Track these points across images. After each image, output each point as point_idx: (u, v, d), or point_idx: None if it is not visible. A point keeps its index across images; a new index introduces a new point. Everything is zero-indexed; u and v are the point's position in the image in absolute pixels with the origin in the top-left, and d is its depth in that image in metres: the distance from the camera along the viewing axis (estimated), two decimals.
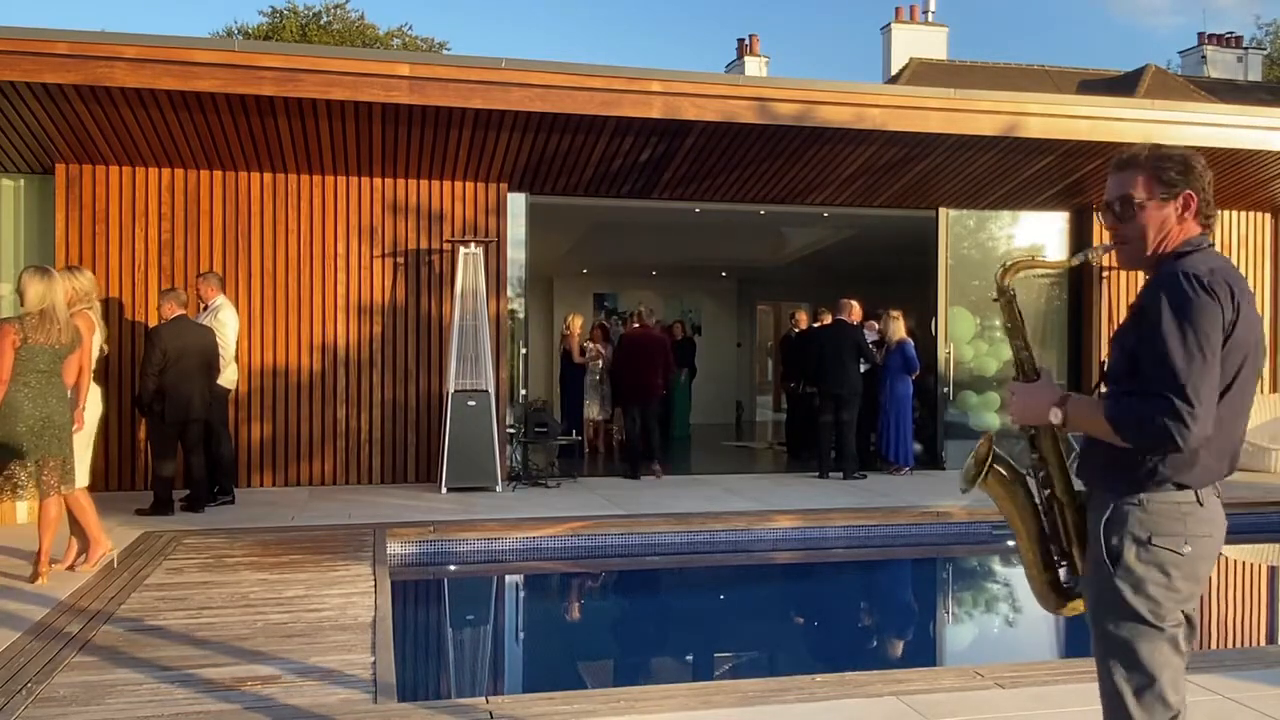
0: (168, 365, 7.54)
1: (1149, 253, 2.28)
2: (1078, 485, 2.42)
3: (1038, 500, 2.46)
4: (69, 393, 5.73)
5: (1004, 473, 2.46)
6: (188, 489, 7.90)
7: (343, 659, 4.33)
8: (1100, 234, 10.83)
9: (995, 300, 2.48)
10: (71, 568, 5.89)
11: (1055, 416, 2.25)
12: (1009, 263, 2.51)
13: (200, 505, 7.82)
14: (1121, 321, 2.29)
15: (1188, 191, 2.26)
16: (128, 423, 8.93)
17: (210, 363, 7.86)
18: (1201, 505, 2.20)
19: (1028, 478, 2.48)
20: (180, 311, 7.79)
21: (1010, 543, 8.04)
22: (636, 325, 11.21)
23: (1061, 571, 2.46)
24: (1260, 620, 6.88)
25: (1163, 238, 2.27)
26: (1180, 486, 2.18)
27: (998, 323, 11.36)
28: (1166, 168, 2.27)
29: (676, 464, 11.68)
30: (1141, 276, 2.36)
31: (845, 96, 9.03)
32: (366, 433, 9.52)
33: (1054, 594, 2.48)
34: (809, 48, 74.51)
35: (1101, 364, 2.42)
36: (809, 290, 16.39)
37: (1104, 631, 2.24)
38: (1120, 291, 11.14)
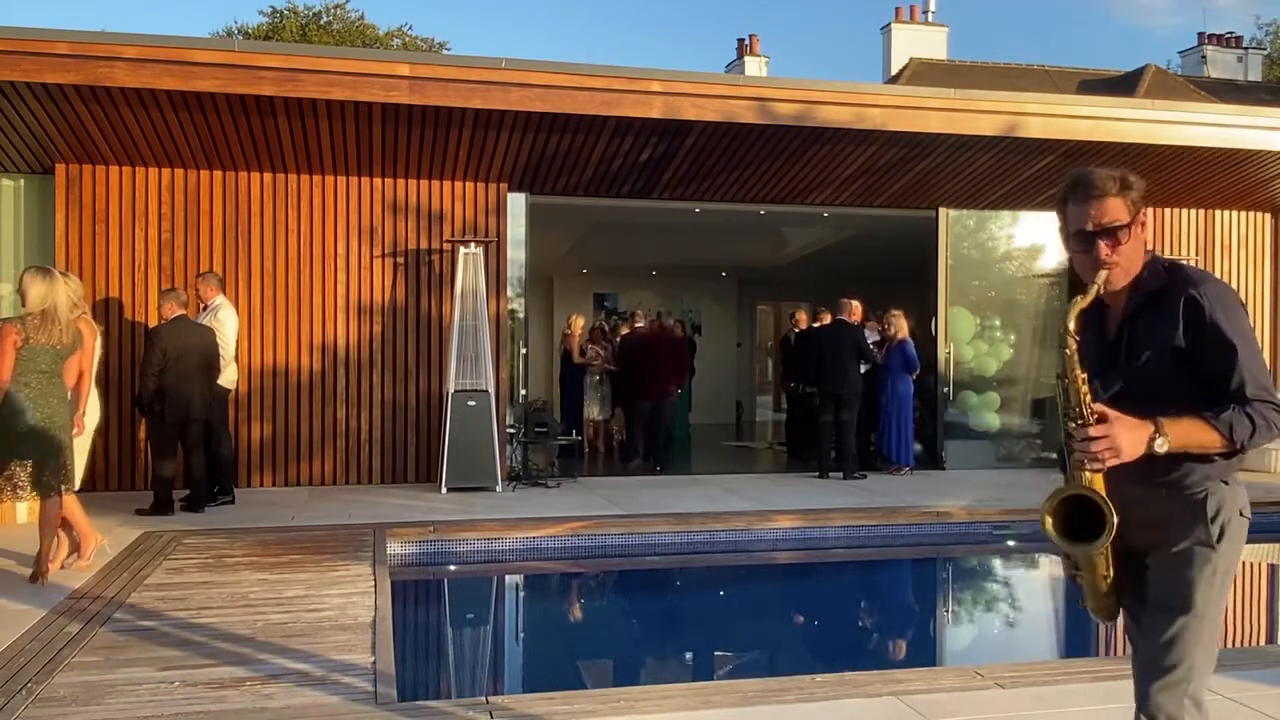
0: (168, 365, 7.54)
1: (1128, 269, 2.44)
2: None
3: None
4: (69, 394, 5.73)
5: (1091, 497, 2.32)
6: (188, 489, 7.90)
7: (343, 659, 4.33)
8: None
9: (1061, 348, 2.43)
10: (62, 566, 5.87)
11: (1161, 446, 2.24)
12: (1073, 310, 2.43)
13: (200, 505, 7.82)
14: (1141, 316, 2.38)
15: (1142, 210, 2.45)
16: (128, 423, 8.93)
17: (210, 363, 7.86)
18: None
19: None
20: (180, 311, 7.79)
21: (1010, 542, 8.06)
22: (654, 324, 11.68)
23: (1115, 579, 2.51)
24: (1260, 620, 6.88)
25: (1139, 251, 2.45)
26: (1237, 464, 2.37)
27: (997, 323, 11.37)
28: (1133, 193, 2.43)
29: (676, 464, 11.68)
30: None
31: (845, 96, 9.04)
32: (366, 433, 9.52)
33: (1109, 600, 2.52)
34: (809, 48, 74.57)
35: (1117, 352, 2.44)
36: (809, 290, 16.39)
37: (1196, 610, 2.32)
38: None
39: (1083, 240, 2.44)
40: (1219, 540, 2.33)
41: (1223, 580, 2.35)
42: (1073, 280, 11.32)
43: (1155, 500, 2.37)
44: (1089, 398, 2.32)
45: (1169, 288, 2.35)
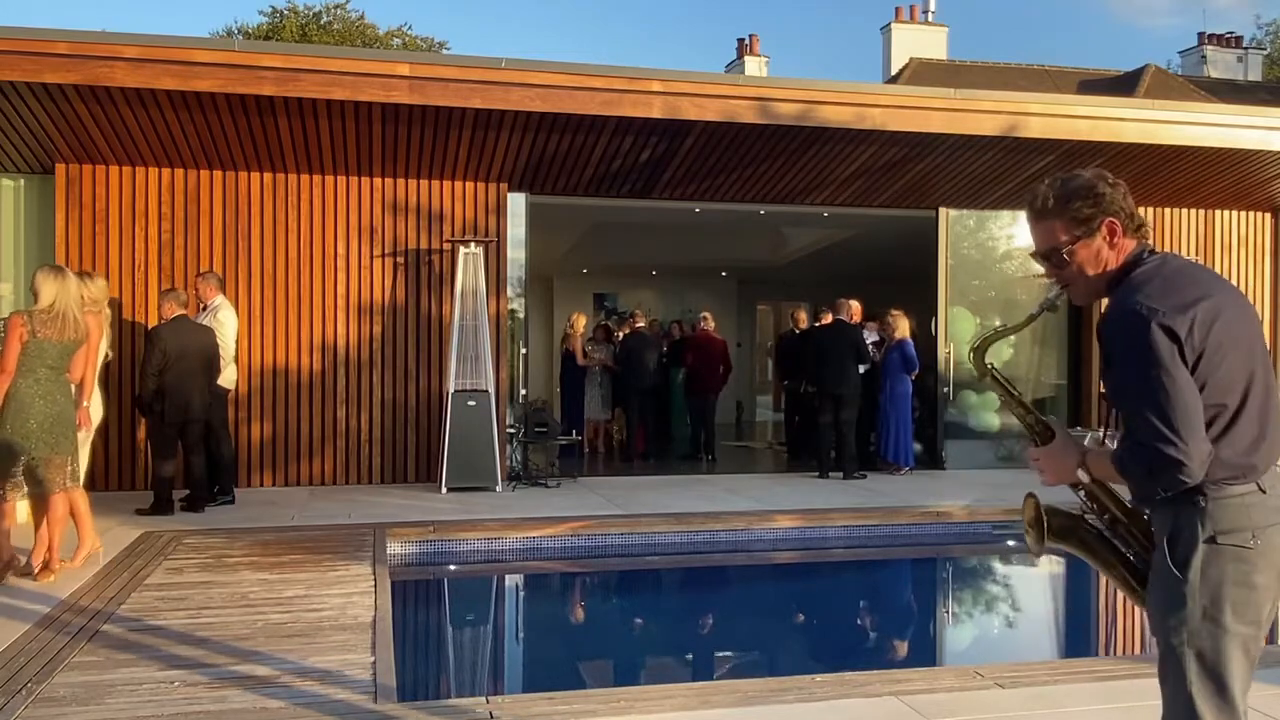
0: (168, 365, 7.55)
1: (1093, 286, 2.34)
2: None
3: (1108, 533, 2.45)
4: (74, 388, 5.75)
5: (1062, 522, 2.44)
6: (187, 489, 7.90)
7: (342, 659, 4.33)
8: None
9: (980, 380, 2.57)
10: (42, 565, 5.81)
11: (1083, 476, 2.32)
12: (977, 343, 2.61)
13: (200, 505, 7.82)
14: (1104, 329, 2.29)
15: (1108, 220, 2.28)
16: (128, 423, 8.93)
17: (211, 363, 7.86)
18: (1265, 493, 2.17)
19: (1085, 516, 2.47)
20: (180, 311, 7.80)
21: (1011, 542, 8.06)
22: (703, 327, 12.41)
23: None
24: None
25: (1101, 267, 2.31)
26: (1240, 480, 2.16)
27: (997, 322, 11.35)
28: (1078, 207, 2.29)
29: (676, 464, 11.69)
30: None
31: (845, 96, 9.03)
32: (366, 433, 9.52)
33: None
34: (809, 48, 74.55)
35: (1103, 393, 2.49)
36: (809, 290, 16.38)
37: (1173, 642, 2.18)
38: None
39: (1039, 262, 2.40)
40: (1184, 568, 2.15)
41: (1200, 616, 2.13)
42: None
43: (1153, 518, 2.32)
44: (1033, 421, 2.47)
45: (1105, 313, 2.27)
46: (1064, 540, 2.46)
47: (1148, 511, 2.35)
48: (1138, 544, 2.40)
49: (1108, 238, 2.29)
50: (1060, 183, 2.33)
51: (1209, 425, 2.12)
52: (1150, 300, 2.14)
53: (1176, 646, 2.17)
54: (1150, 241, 2.36)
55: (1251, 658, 2.17)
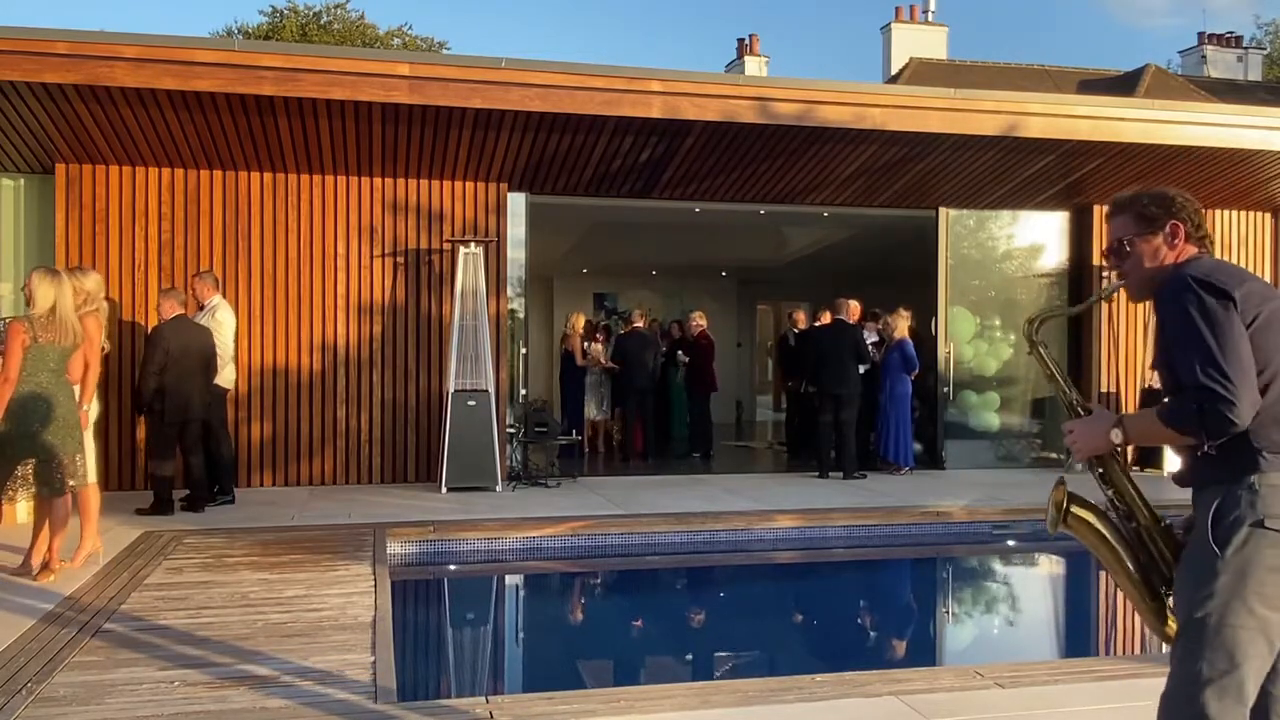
0: (169, 364, 7.55)
1: (1148, 281, 2.46)
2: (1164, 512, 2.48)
3: (1125, 533, 2.49)
4: (75, 390, 5.75)
5: (1084, 513, 2.49)
6: (187, 489, 7.90)
7: (342, 659, 4.33)
8: (1099, 231, 10.85)
9: (1029, 354, 2.66)
10: (42, 565, 5.80)
11: (1116, 436, 2.38)
12: (1033, 318, 2.71)
13: (200, 505, 7.82)
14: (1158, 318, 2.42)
15: (1173, 221, 2.44)
16: (128, 423, 8.93)
17: (209, 362, 7.87)
18: None
19: (1109, 514, 2.51)
20: (180, 311, 7.80)
21: (1010, 542, 8.06)
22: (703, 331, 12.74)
23: (1170, 600, 2.45)
24: None
25: (1157, 265, 2.45)
26: None
27: (997, 322, 11.37)
28: (1146, 204, 2.47)
29: (676, 464, 11.69)
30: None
31: (845, 96, 9.03)
32: (366, 433, 9.52)
33: (1164, 621, 2.47)
34: (809, 48, 74.56)
35: (1146, 388, 2.57)
36: (809, 290, 16.39)
37: (1195, 615, 2.22)
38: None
39: (1107, 259, 2.58)
40: (1224, 545, 2.20)
41: (1229, 594, 2.18)
42: (1073, 281, 11.32)
43: (1195, 503, 2.36)
44: (1075, 398, 2.59)
45: (1158, 290, 2.40)
46: (1081, 531, 2.50)
47: (1191, 498, 2.37)
48: (1160, 560, 2.42)
49: (1170, 238, 2.44)
50: (1137, 189, 2.54)
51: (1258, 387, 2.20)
52: (1201, 272, 2.29)
53: (1200, 618, 2.21)
54: (1211, 253, 2.49)
55: (1272, 645, 2.20)
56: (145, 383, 7.60)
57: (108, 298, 8.42)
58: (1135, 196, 2.50)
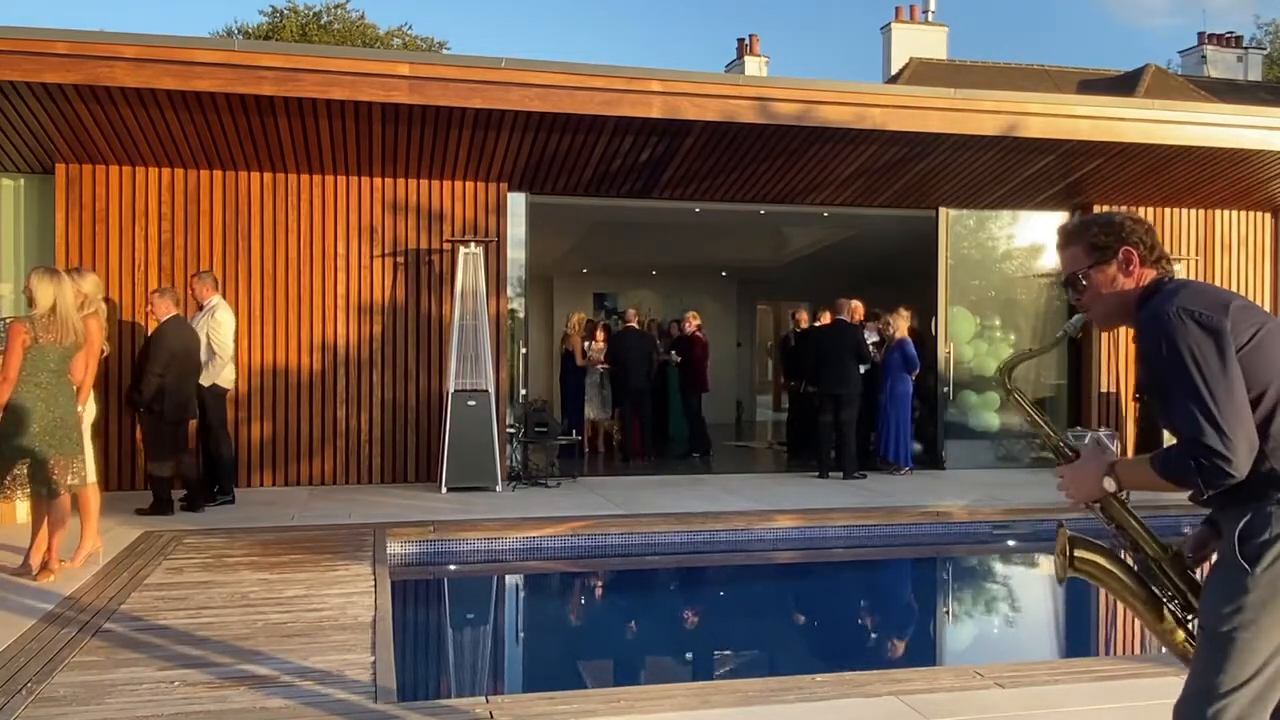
0: (171, 364, 7.57)
1: (1111, 310, 2.42)
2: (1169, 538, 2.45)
3: (1135, 567, 2.46)
4: (75, 390, 5.75)
5: (1090, 555, 2.46)
6: (184, 489, 7.90)
7: (342, 659, 4.33)
8: None
9: (1006, 399, 2.67)
10: (41, 565, 5.80)
11: (1110, 485, 2.34)
12: (1004, 365, 2.71)
13: (199, 505, 7.81)
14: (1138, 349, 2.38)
15: (1125, 248, 2.38)
16: (127, 423, 8.93)
17: (200, 363, 7.90)
18: None
19: (1116, 551, 2.48)
20: (175, 311, 7.81)
21: (1010, 542, 8.07)
22: (696, 331, 12.93)
23: (1192, 625, 2.40)
24: None
25: (1117, 293, 2.39)
26: None
27: (997, 322, 11.38)
28: (1095, 233, 2.41)
29: (676, 464, 11.70)
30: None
31: (845, 96, 9.03)
32: (366, 432, 9.52)
33: (1187, 646, 2.43)
34: (809, 48, 74.57)
35: (1136, 396, 2.52)
36: (809, 290, 16.38)
37: (1222, 629, 2.19)
38: None
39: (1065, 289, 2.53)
40: (1254, 562, 2.16)
41: (1260, 609, 2.15)
42: None
43: (1218, 520, 2.33)
44: (1058, 442, 2.53)
45: (1138, 323, 2.33)
46: (1092, 574, 2.47)
47: (1211, 512, 2.34)
48: (1174, 590, 2.40)
49: (1124, 265, 2.37)
50: (1084, 217, 2.50)
51: (1257, 407, 2.16)
52: (1184, 303, 2.21)
53: (1227, 632, 2.17)
54: (1173, 273, 2.42)
55: None
56: (148, 382, 7.59)
57: (106, 298, 8.45)
58: (1083, 225, 2.44)
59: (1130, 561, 2.46)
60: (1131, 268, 2.37)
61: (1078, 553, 2.45)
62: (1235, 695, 2.16)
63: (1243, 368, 2.15)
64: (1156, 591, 2.43)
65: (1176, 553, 2.41)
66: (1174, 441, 2.22)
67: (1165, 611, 2.43)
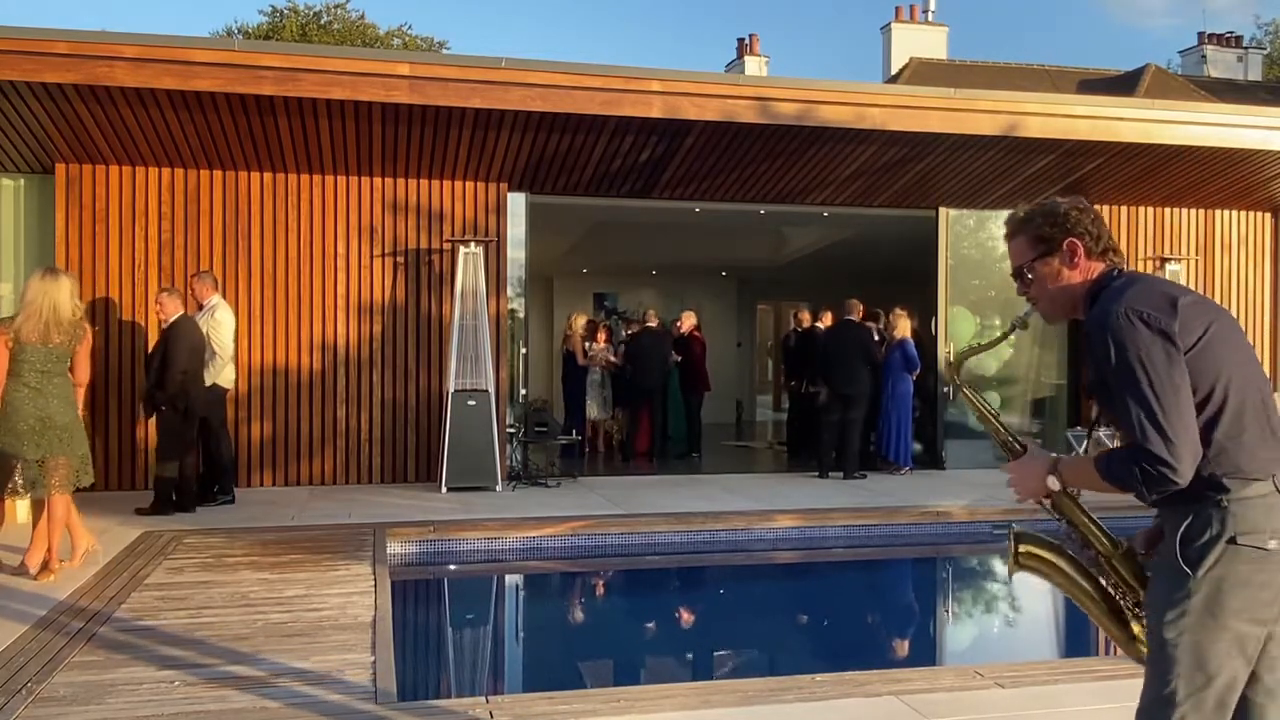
0: (193, 359, 7.61)
1: (1058, 303, 2.39)
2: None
3: (1084, 562, 2.44)
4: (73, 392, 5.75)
5: (1035, 549, 2.46)
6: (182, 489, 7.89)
7: (342, 659, 4.33)
8: None
9: (957, 395, 2.68)
10: (41, 565, 5.78)
11: (1054, 483, 2.32)
12: (952, 359, 2.66)
13: (189, 505, 7.78)
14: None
15: (1069, 239, 2.33)
16: (128, 423, 8.93)
17: (205, 361, 7.93)
18: None
19: (1064, 547, 2.47)
20: (182, 310, 7.84)
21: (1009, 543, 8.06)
22: (694, 331, 12.96)
23: (1136, 627, 2.40)
24: None
25: (1063, 287, 2.36)
26: (1256, 479, 2.14)
27: (997, 322, 11.37)
28: (1039, 224, 2.36)
29: (676, 464, 11.70)
30: None
31: (845, 96, 9.03)
32: (366, 432, 9.52)
33: (1138, 644, 2.42)
34: (809, 48, 74.53)
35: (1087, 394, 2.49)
36: (809, 290, 16.37)
37: (1168, 636, 2.16)
38: None
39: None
40: (1195, 565, 2.13)
41: (1202, 612, 2.12)
42: None
43: (1162, 519, 2.32)
44: (1007, 437, 2.52)
45: (1085, 323, 2.28)
46: (1039, 569, 2.47)
47: (1157, 515, 2.32)
48: (1125, 585, 2.39)
49: (1068, 258, 2.33)
50: (1030, 208, 2.41)
51: (1203, 409, 2.12)
52: (1133, 303, 2.16)
53: (1171, 639, 2.15)
54: (1122, 265, 2.37)
55: (1248, 658, 2.15)
56: (172, 379, 7.56)
57: (104, 299, 8.46)
58: (1029, 217, 2.38)
59: (1080, 559, 2.44)
60: (1076, 260, 2.32)
61: (1022, 548, 2.46)
62: (1195, 700, 2.14)
63: (1189, 368, 2.12)
64: (1106, 586, 2.41)
65: (1128, 549, 2.40)
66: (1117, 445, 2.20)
67: (1119, 607, 2.41)
